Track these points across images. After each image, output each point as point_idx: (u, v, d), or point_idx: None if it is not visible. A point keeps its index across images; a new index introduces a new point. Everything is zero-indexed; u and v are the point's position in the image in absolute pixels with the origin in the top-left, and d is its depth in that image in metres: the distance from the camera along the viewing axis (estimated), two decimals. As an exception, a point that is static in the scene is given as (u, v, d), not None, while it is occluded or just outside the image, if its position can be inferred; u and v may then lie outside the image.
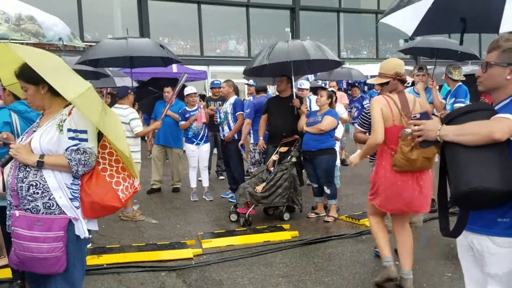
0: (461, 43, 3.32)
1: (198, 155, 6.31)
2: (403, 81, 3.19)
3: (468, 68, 8.09)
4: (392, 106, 3.10)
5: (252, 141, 5.87)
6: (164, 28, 15.58)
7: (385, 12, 3.11)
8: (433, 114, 2.59)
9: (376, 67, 15.65)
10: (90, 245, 4.33)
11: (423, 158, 2.98)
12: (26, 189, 2.07)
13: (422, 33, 3.22)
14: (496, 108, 1.89)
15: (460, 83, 5.39)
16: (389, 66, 3.23)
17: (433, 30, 3.45)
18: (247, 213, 5.05)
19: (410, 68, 6.42)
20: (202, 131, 6.26)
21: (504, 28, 3.02)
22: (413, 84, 5.82)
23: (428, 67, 5.89)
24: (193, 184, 6.37)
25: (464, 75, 6.20)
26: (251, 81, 7.41)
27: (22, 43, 4.74)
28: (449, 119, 1.97)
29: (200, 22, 15.67)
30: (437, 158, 5.72)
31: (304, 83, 6.62)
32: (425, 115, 2.07)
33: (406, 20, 3.00)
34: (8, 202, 2.14)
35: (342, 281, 3.50)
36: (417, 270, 3.68)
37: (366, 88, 14.17)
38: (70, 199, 2.11)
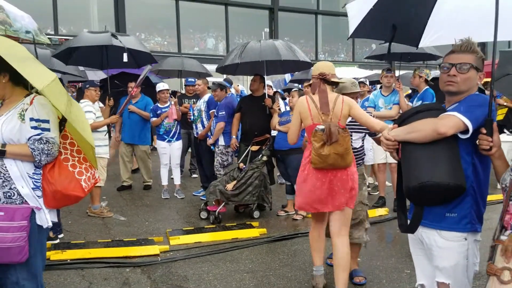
0: (388, 51, 3.33)
1: (170, 153, 6.28)
2: (327, 81, 3.17)
3: (437, 72, 8.35)
4: (311, 106, 3.14)
5: (223, 143, 5.83)
6: (141, 24, 15.38)
7: None
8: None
9: (352, 70, 15.87)
10: (58, 241, 4.26)
11: (335, 154, 2.96)
12: None
13: (359, 36, 3.20)
14: (448, 109, 1.98)
15: (427, 86, 5.58)
16: (316, 67, 3.26)
17: (369, 35, 3.41)
18: (217, 210, 5.07)
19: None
20: (174, 128, 6.24)
21: (423, 43, 3.02)
22: (381, 87, 5.99)
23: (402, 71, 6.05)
24: (165, 182, 6.34)
25: (433, 78, 6.39)
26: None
27: None
28: (401, 120, 2.06)
29: (178, 19, 15.54)
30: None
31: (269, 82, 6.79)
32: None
33: (351, 18, 2.98)
34: None
35: (305, 276, 3.58)
36: (378, 266, 3.81)
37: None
38: (33, 188, 2.11)
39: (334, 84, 3.27)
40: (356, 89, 3.57)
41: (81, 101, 5.22)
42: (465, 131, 1.85)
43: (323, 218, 3.27)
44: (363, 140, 3.82)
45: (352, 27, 2.99)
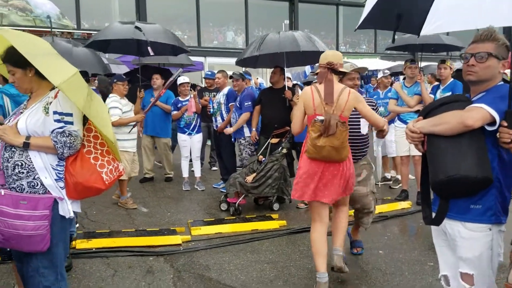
0: (393, 41, 3.29)
1: (190, 145, 6.35)
2: (335, 71, 3.15)
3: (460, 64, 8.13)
4: (315, 96, 3.11)
5: (249, 134, 5.77)
6: (161, 18, 15.47)
7: None
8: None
9: (374, 61, 15.60)
10: (77, 225, 4.36)
11: (330, 147, 2.96)
12: (12, 169, 2.12)
13: (366, 27, 3.17)
14: (473, 100, 1.95)
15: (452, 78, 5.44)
16: (324, 56, 3.22)
17: (375, 25, 3.38)
18: (237, 202, 5.11)
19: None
20: (194, 121, 6.30)
21: (424, 31, 2.98)
22: (404, 78, 5.89)
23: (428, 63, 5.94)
24: (185, 174, 6.43)
25: (457, 70, 6.22)
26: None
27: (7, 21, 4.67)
28: (426, 112, 2.03)
29: (198, 12, 15.62)
30: (411, 151, 5.79)
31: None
32: None
33: (364, 10, 2.97)
34: None
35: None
36: (401, 259, 3.77)
37: (362, 82, 14.19)
38: (55, 179, 2.16)
39: (341, 74, 3.26)
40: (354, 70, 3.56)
41: (110, 95, 5.25)
42: (492, 123, 1.82)
43: (322, 215, 3.19)
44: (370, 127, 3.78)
45: (361, 19, 2.98)
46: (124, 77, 5.48)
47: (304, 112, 3.19)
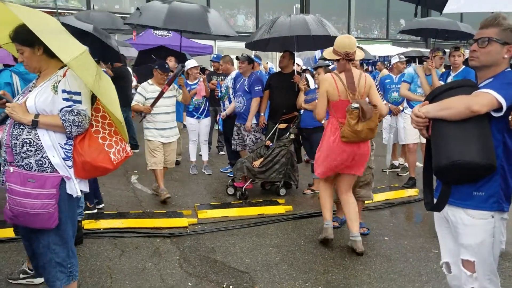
0: (415, 15, 3.30)
1: (199, 129, 6.37)
2: (351, 60, 3.46)
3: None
4: (338, 83, 3.44)
5: (255, 120, 5.67)
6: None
7: None
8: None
9: (385, 47, 15.35)
10: (96, 211, 4.42)
11: (368, 129, 3.34)
12: (20, 146, 2.15)
13: None
14: (480, 86, 1.93)
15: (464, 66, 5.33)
16: (341, 44, 3.46)
17: None
18: (244, 187, 5.14)
19: (417, 49, 6.34)
20: (203, 105, 6.29)
21: (447, 9, 2.94)
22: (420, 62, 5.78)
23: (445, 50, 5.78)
24: (193, 158, 6.46)
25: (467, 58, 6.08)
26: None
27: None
28: (432, 97, 2.01)
29: (208, -4, 15.48)
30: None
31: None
32: None
33: None
34: (3, 158, 2.24)
35: (330, 253, 3.61)
36: (405, 246, 3.78)
37: (371, 68, 13.99)
38: (63, 158, 2.19)
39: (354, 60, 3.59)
40: None
41: (149, 81, 5.11)
42: (498, 109, 1.80)
43: (330, 179, 3.74)
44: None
45: None
46: (167, 66, 5.21)
47: (327, 100, 3.50)
